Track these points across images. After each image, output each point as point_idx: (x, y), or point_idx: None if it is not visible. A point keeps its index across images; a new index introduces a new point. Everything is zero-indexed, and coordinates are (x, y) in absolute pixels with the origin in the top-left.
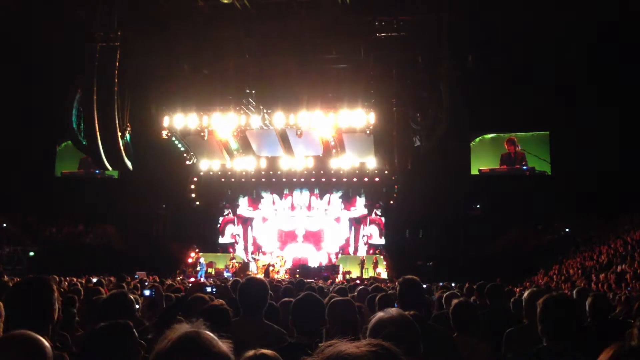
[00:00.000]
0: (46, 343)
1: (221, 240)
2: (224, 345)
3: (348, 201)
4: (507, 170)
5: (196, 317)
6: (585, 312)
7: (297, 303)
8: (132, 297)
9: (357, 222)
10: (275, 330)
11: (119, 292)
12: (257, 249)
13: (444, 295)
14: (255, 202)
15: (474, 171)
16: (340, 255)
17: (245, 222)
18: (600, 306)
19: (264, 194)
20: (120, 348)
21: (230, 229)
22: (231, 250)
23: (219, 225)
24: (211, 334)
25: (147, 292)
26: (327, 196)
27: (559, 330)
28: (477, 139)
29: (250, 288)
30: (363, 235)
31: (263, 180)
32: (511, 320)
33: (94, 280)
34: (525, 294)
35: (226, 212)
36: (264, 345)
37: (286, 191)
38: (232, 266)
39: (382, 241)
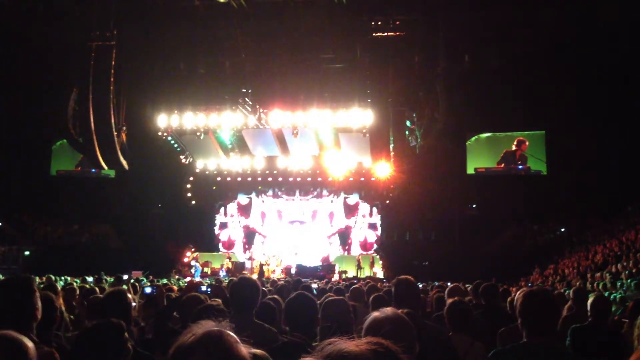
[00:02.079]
0: (29, 343)
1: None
2: (244, 350)
3: (344, 201)
4: (503, 169)
5: (192, 316)
6: (578, 311)
7: (290, 302)
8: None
9: (352, 222)
10: (266, 329)
11: (117, 290)
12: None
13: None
14: (251, 200)
15: (470, 170)
16: (336, 256)
17: (242, 215)
18: (601, 306)
19: (260, 193)
20: (110, 347)
21: (226, 230)
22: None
23: (220, 224)
24: (235, 336)
25: (148, 290)
26: (323, 195)
27: (538, 324)
28: (473, 138)
29: (241, 287)
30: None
31: (259, 179)
32: (506, 320)
33: (89, 279)
34: (518, 294)
35: (222, 210)
36: (255, 345)
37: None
38: (225, 265)
39: (377, 240)
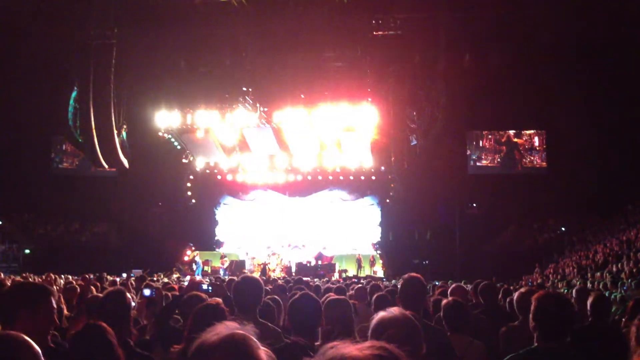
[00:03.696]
0: (36, 346)
1: (218, 237)
2: (265, 355)
3: (344, 199)
4: (502, 166)
5: (192, 315)
6: (580, 311)
7: (294, 303)
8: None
9: (354, 219)
10: (270, 329)
11: (117, 290)
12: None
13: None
14: (250, 199)
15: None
16: (336, 255)
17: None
18: (601, 306)
19: (259, 192)
20: (96, 351)
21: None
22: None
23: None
24: (257, 341)
25: (147, 292)
26: (323, 193)
27: (553, 329)
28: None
29: (244, 287)
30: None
31: (259, 178)
32: (506, 319)
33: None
34: (516, 294)
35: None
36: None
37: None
38: (223, 264)
39: (377, 239)
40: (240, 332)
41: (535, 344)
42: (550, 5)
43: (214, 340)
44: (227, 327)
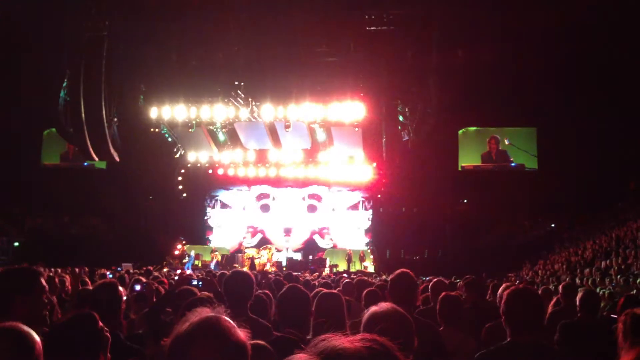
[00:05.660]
0: (36, 336)
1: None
2: (242, 334)
3: (335, 194)
4: (492, 167)
5: (182, 309)
6: (567, 306)
7: (282, 296)
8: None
9: (345, 215)
10: (260, 323)
11: (108, 282)
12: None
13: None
14: (242, 194)
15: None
16: (327, 249)
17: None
18: (591, 302)
19: (250, 186)
20: (84, 339)
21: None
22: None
23: (206, 217)
24: (231, 321)
25: (137, 287)
26: (314, 189)
27: (522, 323)
28: (460, 131)
29: (235, 281)
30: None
31: (251, 172)
32: (495, 315)
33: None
34: (500, 290)
35: (212, 202)
36: (249, 339)
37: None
38: (213, 258)
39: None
40: (212, 315)
41: (508, 339)
42: (543, 1)
43: (188, 328)
44: (198, 314)
